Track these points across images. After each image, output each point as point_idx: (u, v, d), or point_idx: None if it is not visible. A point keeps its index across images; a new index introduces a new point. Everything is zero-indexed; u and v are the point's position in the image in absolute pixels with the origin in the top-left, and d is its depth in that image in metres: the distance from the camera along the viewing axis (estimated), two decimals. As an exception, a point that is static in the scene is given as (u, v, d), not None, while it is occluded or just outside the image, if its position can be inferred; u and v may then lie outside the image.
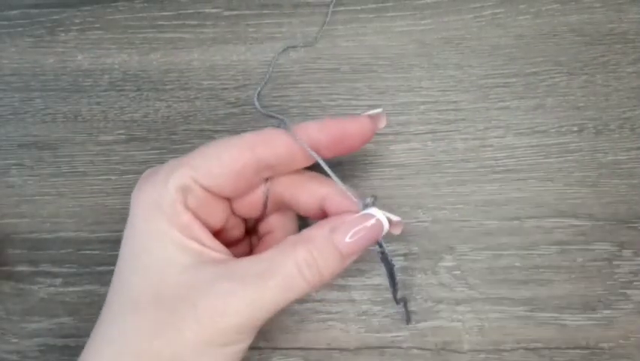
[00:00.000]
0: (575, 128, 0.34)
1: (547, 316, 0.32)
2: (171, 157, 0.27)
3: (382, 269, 0.29)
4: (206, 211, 0.26)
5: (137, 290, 0.25)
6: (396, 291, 0.29)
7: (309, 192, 0.28)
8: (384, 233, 0.27)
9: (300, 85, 0.35)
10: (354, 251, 0.26)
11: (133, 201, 0.26)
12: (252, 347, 0.27)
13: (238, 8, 0.37)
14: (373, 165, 0.34)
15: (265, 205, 0.29)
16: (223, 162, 0.26)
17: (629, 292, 0.32)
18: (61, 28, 0.37)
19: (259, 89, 0.35)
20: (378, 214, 0.26)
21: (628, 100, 0.34)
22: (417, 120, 0.34)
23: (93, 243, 0.34)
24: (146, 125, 0.36)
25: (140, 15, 0.37)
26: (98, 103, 0.36)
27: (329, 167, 0.26)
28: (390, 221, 0.27)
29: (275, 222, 0.30)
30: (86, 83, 0.37)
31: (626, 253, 0.32)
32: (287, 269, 0.24)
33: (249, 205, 0.29)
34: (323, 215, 0.27)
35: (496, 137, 0.34)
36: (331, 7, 0.36)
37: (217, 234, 0.28)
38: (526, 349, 0.31)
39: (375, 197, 0.26)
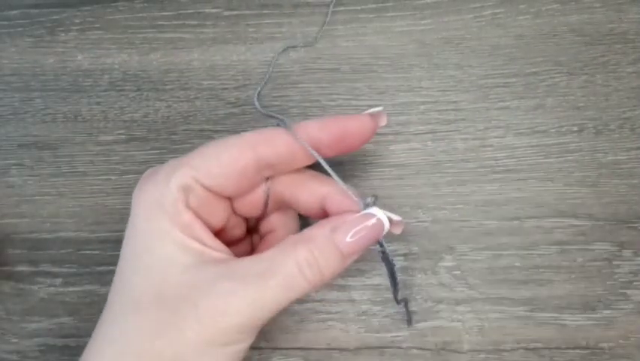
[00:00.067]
0: (575, 128, 0.34)
1: (547, 316, 0.32)
2: (171, 157, 0.27)
3: (382, 269, 0.29)
4: (207, 211, 0.26)
5: (138, 290, 0.25)
6: (397, 291, 0.29)
7: (310, 191, 0.28)
8: (385, 233, 0.27)
9: (300, 85, 0.36)
10: (355, 251, 0.26)
11: (134, 200, 0.26)
12: (252, 347, 0.27)
13: (238, 8, 0.37)
14: (373, 165, 0.34)
15: (266, 204, 0.29)
16: (223, 161, 0.26)
17: (629, 292, 0.32)
18: (61, 28, 0.37)
19: (259, 89, 0.35)
20: (379, 214, 0.26)
21: (628, 100, 0.34)
22: (417, 120, 0.34)
23: (93, 243, 0.34)
24: (146, 125, 0.36)
25: (140, 15, 0.37)
26: (98, 103, 0.36)
27: (329, 167, 0.26)
28: (390, 221, 0.27)
29: (276, 221, 0.30)
30: (86, 83, 0.37)
31: (626, 253, 0.32)
32: (288, 269, 0.24)
33: (250, 204, 0.29)
34: (324, 214, 0.28)
35: (496, 137, 0.34)
36: (331, 7, 0.36)
37: (218, 233, 0.28)
38: (526, 349, 0.31)
39: (375, 196, 0.26)
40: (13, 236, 0.35)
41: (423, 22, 0.36)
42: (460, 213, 0.33)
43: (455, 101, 0.35)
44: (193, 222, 0.25)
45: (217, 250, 0.26)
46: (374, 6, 0.36)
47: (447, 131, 0.34)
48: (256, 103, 0.35)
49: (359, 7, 0.36)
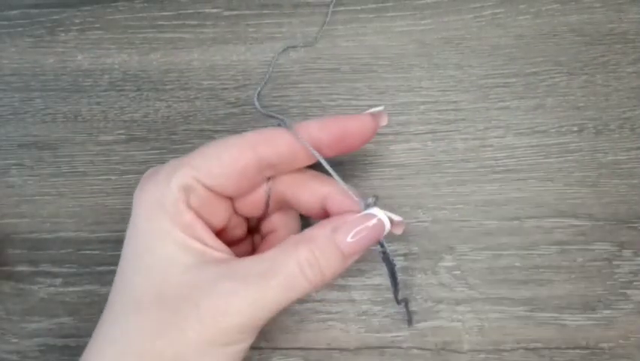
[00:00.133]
0: (575, 128, 0.34)
1: (547, 316, 0.32)
2: (171, 157, 0.27)
3: (383, 269, 0.29)
4: (208, 211, 0.26)
5: (139, 290, 0.25)
6: (398, 291, 0.29)
7: (311, 191, 0.28)
8: (385, 233, 0.27)
9: (300, 85, 0.36)
10: (356, 251, 0.26)
11: (135, 200, 0.26)
12: (253, 347, 0.27)
13: (238, 8, 0.37)
14: (373, 165, 0.34)
15: (267, 204, 0.29)
16: (224, 161, 0.26)
17: (629, 292, 0.32)
18: (61, 28, 0.37)
19: (259, 89, 0.35)
20: (380, 214, 0.26)
21: (628, 100, 0.34)
22: (417, 120, 0.34)
23: (93, 243, 0.34)
24: (146, 125, 0.36)
25: (140, 15, 0.37)
26: (98, 103, 0.36)
27: (330, 167, 0.26)
28: (391, 221, 0.27)
29: (277, 221, 0.30)
30: (86, 83, 0.36)
31: (626, 253, 0.32)
32: (289, 269, 0.24)
33: (251, 204, 0.29)
34: (325, 214, 0.28)
35: (496, 137, 0.34)
36: (331, 7, 0.36)
37: (219, 233, 0.28)
38: (526, 349, 0.32)
39: (376, 197, 0.26)
40: (13, 236, 0.35)
41: (423, 22, 0.36)
42: (460, 213, 0.33)
43: (455, 101, 0.35)
44: (194, 222, 0.25)
45: (218, 250, 0.26)
46: (374, 6, 0.36)
47: (447, 131, 0.34)
48: (256, 103, 0.35)
49: (359, 7, 0.36)
